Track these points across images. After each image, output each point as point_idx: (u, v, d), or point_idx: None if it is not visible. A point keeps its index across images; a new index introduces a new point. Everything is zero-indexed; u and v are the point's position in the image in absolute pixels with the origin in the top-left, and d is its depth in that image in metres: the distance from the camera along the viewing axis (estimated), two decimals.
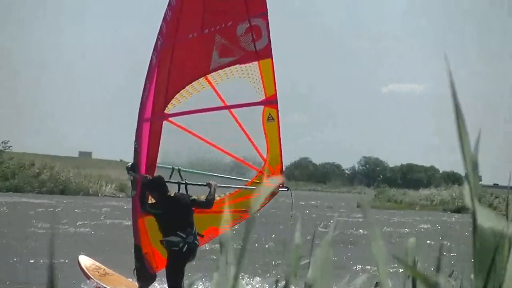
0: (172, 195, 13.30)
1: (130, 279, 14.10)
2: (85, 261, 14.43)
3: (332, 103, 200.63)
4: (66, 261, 16.68)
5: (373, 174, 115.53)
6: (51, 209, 39.30)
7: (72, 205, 44.44)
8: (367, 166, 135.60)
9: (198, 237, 13.09)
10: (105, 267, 14.55)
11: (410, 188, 77.69)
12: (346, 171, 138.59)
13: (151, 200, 13.33)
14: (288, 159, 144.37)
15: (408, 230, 35.70)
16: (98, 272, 14.25)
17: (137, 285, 13.54)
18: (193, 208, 13.13)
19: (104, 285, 13.85)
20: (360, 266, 20.09)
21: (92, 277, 14.03)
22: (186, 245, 12.85)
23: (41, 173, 63.04)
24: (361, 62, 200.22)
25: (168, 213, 12.86)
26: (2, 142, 65.12)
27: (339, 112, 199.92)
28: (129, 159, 13.66)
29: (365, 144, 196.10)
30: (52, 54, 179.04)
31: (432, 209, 62.88)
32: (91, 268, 14.29)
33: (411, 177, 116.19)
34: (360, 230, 33.15)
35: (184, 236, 12.85)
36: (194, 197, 13.15)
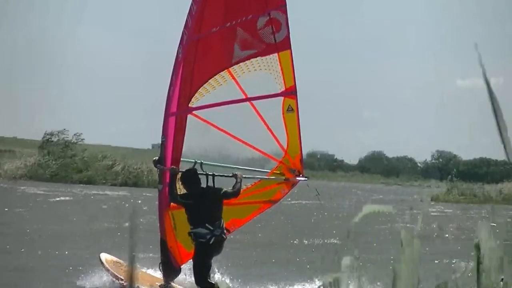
0: (204, 187, 13.52)
1: (152, 274, 14.29)
2: (106, 258, 14.64)
3: (406, 95, 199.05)
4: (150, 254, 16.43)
5: (446, 168, 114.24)
6: (132, 201, 39.54)
7: (148, 197, 44.67)
8: (440, 159, 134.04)
9: (225, 232, 13.30)
10: (126, 263, 14.73)
11: (483, 182, 76.60)
12: (419, 165, 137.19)
13: (179, 191, 13.57)
14: (361, 152, 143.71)
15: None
16: (121, 268, 14.45)
17: (163, 279, 13.75)
18: (222, 202, 13.36)
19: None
20: (438, 261, 19.72)
21: (118, 275, 14.22)
22: (213, 238, 13.09)
23: (114, 165, 63.39)
24: (436, 55, 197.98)
25: (199, 205, 13.10)
26: (74, 135, 66.05)
27: (413, 105, 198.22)
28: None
29: (439, 138, 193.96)
30: (121, 48, 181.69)
31: (506, 203, 61.95)
32: (113, 265, 14.48)
33: (485, 171, 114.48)
34: (433, 225, 32.92)
35: (212, 228, 13.08)
36: (224, 189, 13.38)
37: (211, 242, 13.07)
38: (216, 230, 13.11)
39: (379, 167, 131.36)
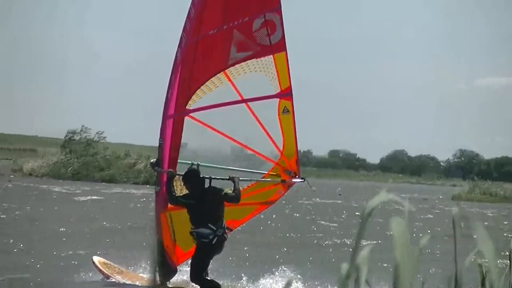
0: (206, 187, 13.63)
1: (144, 275, 14.44)
2: (100, 260, 14.82)
3: (427, 95, 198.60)
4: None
5: (468, 167, 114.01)
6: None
7: None
8: (462, 158, 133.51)
9: (226, 231, 13.41)
10: (119, 266, 14.89)
11: (505, 181, 76.32)
12: (442, 164, 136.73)
13: (179, 192, 13.72)
14: (384, 152, 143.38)
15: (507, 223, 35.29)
16: (115, 270, 14.62)
17: (158, 279, 13.83)
18: (224, 202, 13.45)
19: (125, 281, 14.27)
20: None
21: (110, 274, 14.42)
22: (216, 238, 13.22)
23: (136, 163, 62.99)
24: (456, 53, 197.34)
25: (201, 205, 13.20)
26: (97, 133, 66.16)
27: (435, 104, 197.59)
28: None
29: (460, 137, 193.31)
30: (126, 47, 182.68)
31: None
32: (107, 267, 14.70)
33: (507, 170, 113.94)
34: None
35: (214, 228, 13.20)
36: (225, 191, 13.48)
37: (213, 242, 13.20)
38: (219, 230, 13.22)
39: (401, 166, 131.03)
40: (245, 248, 20.14)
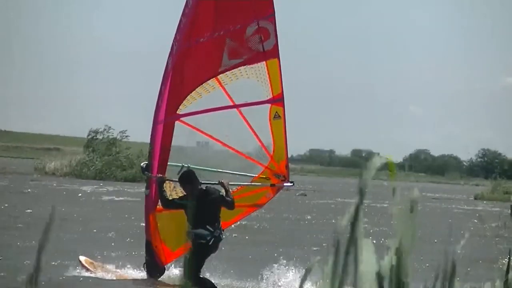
0: (204, 188, 13.88)
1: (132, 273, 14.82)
2: (86, 260, 15.10)
3: (451, 94, 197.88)
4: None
5: (491, 167, 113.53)
6: None
7: None
8: (485, 158, 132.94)
9: (222, 232, 13.64)
10: (105, 265, 15.15)
11: None
12: (464, 163, 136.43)
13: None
14: (406, 151, 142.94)
15: None
16: (101, 268, 14.91)
17: (147, 278, 14.20)
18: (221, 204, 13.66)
19: (114, 277, 14.65)
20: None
21: (93, 270, 14.76)
22: (213, 239, 13.45)
23: None
24: (480, 54, 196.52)
25: (199, 206, 13.35)
26: (120, 132, 65.73)
27: (458, 103, 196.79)
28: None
29: (483, 136, 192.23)
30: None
31: None
32: (93, 266, 15.01)
33: None
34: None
35: (212, 230, 13.41)
36: (221, 194, 13.67)
37: (210, 244, 13.44)
38: (216, 231, 13.44)
39: (424, 165, 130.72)
40: (249, 248, 20.35)
